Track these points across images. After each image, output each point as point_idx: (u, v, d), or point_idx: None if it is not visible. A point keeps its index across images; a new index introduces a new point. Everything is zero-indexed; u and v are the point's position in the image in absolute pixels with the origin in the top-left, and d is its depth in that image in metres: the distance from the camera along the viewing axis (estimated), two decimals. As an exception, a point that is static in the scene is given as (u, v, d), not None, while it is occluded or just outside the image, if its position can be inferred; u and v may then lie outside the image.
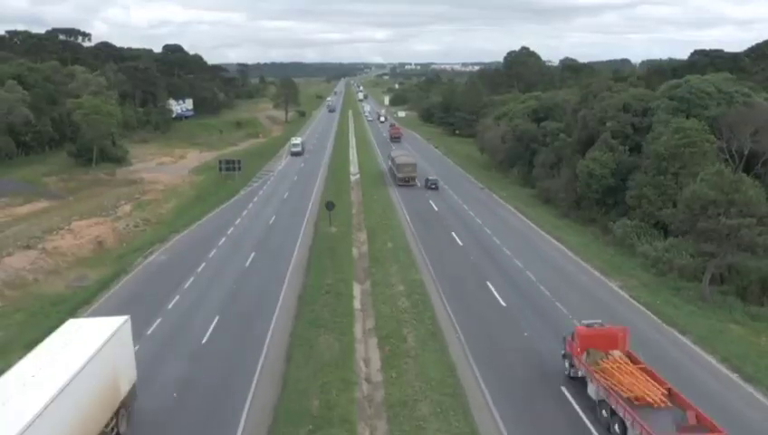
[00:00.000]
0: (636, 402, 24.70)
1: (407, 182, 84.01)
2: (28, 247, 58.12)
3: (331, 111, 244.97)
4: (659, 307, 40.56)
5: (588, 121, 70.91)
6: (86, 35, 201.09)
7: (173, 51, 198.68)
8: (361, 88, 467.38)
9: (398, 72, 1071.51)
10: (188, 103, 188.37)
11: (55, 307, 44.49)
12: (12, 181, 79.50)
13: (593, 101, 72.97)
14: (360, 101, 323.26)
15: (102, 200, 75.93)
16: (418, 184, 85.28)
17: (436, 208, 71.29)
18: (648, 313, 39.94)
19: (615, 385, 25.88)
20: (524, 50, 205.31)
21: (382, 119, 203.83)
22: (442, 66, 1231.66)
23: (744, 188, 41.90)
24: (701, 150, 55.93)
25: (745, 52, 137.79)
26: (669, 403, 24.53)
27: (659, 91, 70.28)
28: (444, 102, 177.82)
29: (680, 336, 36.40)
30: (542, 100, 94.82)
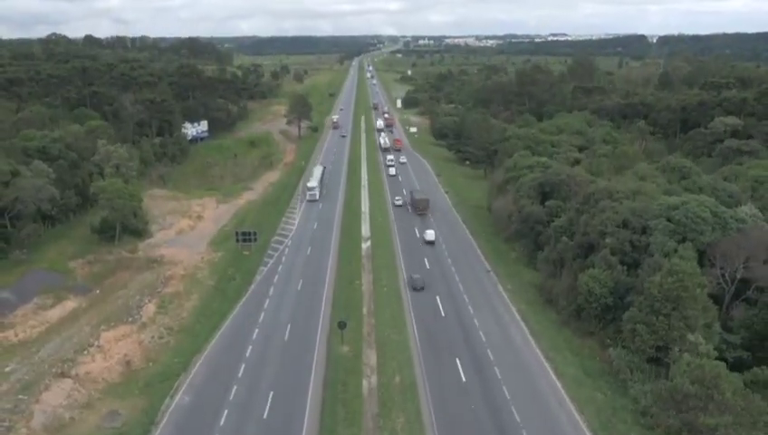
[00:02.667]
0: None
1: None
2: (62, 375, 62.95)
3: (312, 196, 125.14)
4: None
5: (589, 230, 73.86)
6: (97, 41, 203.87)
7: (186, 74, 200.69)
8: (371, 67, 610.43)
9: (411, 47, 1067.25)
10: (203, 125, 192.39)
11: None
12: (41, 271, 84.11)
13: (594, 208, 75.67)
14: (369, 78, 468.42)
15: (128, 294, 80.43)
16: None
17: (443, 313, 74.86)
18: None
19: None
20: (536, 68, 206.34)
21: (386, 115, 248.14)
22: (456, 40, 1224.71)
23: (723, 386, 45.34)
24: (692, 295, 59.00)
25: (755, 95, 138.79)
26: None
27: (657, 204, 72.82)
28: (456, 128, 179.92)
29: None
30: (547, 175, 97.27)
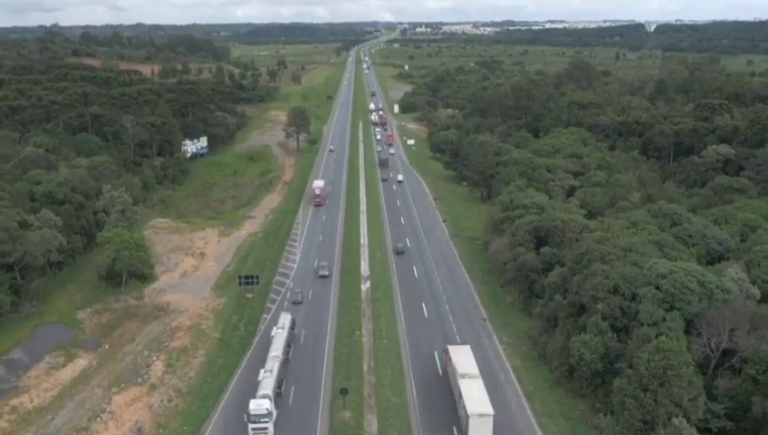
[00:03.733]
0: None
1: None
2: (77, 446, 65.87)
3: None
4: None
5: (581, 293, 76.72)
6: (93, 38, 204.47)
7: (186, 90, 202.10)
8: (367, 58, 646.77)
9: (408, 36, 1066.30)
10: (203, 141, 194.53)
11: None
12: (50, 326, 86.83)
13: (587, 270, 78.41)
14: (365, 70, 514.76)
15: (136, 350, 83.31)
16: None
17: (440, 371, 77.84)
18: None
19: None
20: (532, 82, 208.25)
21: (381, 113, 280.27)
22: (453, 28, 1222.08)
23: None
24: (678, 373, 61.97)
25: (746, 124, 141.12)
26: None
27: (647, 268, 75.53)
28: (453, 145, 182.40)
29: None
30: (542, 219, 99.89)
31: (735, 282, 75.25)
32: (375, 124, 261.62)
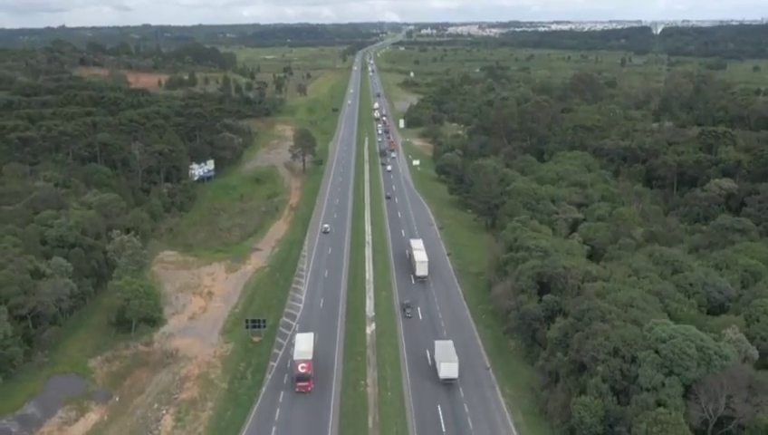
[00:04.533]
0: None
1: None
2: None
3: None
4: None
5: (582, 353, 78.11)
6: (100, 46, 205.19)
7: (194, 114, 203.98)
8: (372, 62, 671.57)
9: (413, 38, 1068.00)
10: (210, 164, 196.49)
11: None
12: (62, 377, 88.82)
13: (588, 329, 79.83)
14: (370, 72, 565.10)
15: (146, 402, 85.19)
16: None
17: (444, 430, 79.41)
18: None
19: None
20: (537, 104, 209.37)
21: (384, 119, 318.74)
22: (458, 29, 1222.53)
23: None
24: (675, 445, 63.55)
25: (749, 158, 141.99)
26: None
27: (646, 329, 76.91)
28: (459, 172, 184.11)
29: None
30: (545, 266, 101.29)
31: (734, 343, 76.57)
32: (377, 120, 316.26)
